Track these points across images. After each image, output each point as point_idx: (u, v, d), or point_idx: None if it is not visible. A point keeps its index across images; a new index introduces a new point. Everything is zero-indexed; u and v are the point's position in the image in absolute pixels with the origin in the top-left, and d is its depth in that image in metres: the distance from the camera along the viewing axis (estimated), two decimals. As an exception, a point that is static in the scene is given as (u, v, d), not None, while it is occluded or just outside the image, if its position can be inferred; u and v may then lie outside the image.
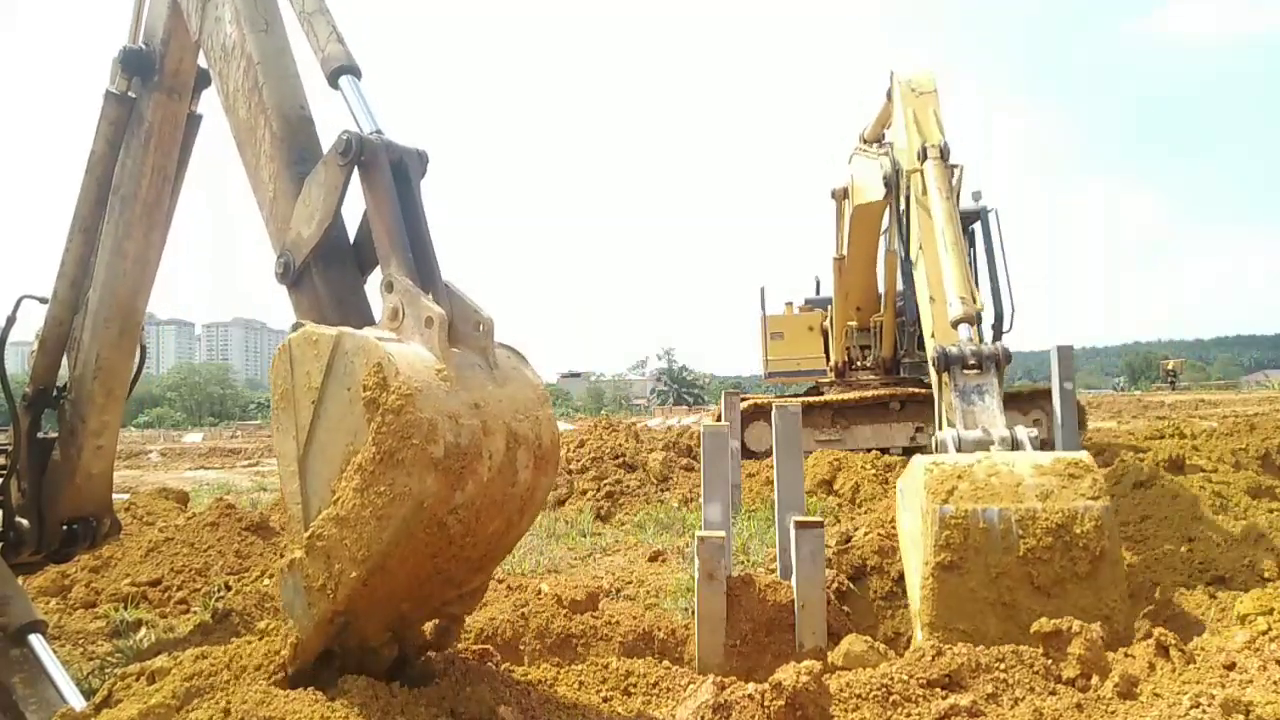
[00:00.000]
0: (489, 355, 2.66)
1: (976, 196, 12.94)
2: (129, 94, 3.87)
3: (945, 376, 4.11)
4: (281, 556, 5.67)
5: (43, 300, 3.94)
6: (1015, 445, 3.82)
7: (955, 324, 4.65)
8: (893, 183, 5.79)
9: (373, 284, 2.93)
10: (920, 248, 5.29)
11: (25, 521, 3.83)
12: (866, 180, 8.22)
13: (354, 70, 3.07)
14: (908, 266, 5.63)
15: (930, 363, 4.14)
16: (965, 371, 4.04)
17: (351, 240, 3.00)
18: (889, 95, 6.96)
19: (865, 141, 8.74)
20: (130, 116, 3.82)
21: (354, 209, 2.95)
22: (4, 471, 3.87)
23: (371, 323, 2.75)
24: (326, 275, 2.89)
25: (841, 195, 11.84)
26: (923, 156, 5.51)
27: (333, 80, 3.07)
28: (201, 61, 3.78)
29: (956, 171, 5.57)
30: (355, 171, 2.80)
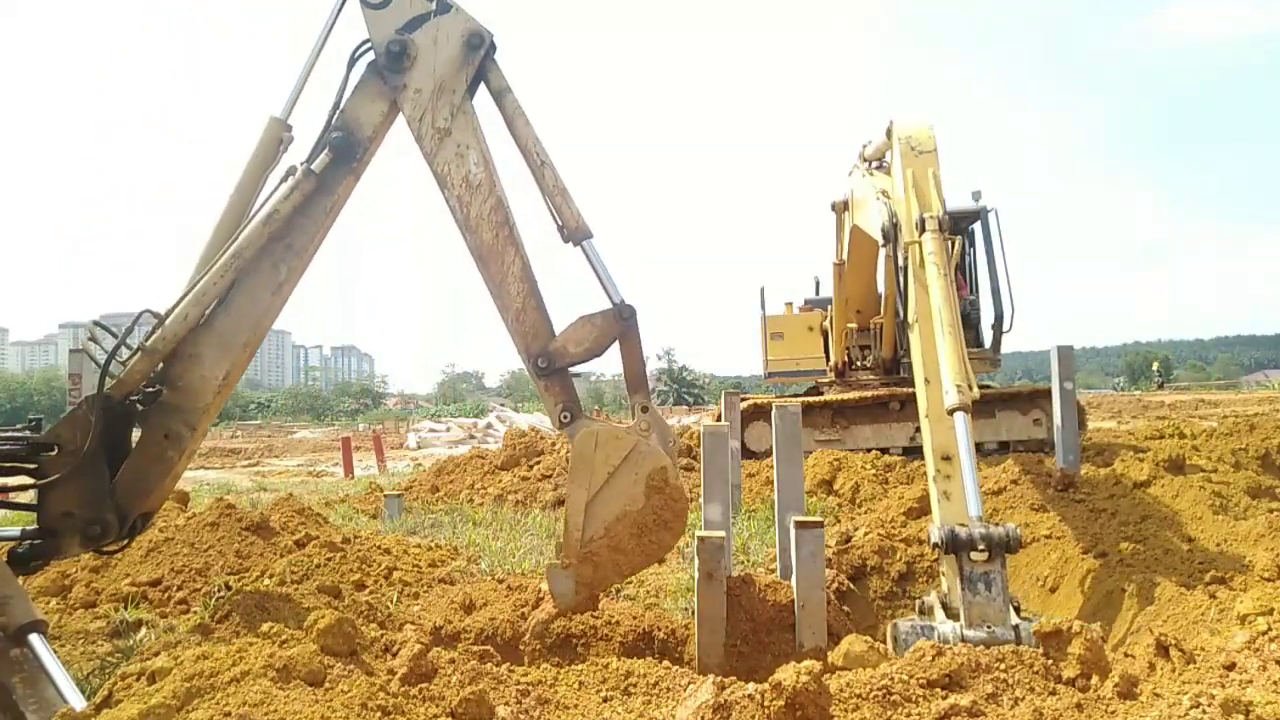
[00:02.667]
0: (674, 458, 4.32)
1: (976, 196, 12.92)
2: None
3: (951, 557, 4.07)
4: (281, 556, 5.64)
5: (156, 315, 4.14)
6: (1019, 640, 3.70)
7: (951, 413, 4.53)
8: (890, 236, 5.71)
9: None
10: (917, 320, 5.19)
11: (110, 516, 3.96)
12: (866, 203, 8.19)
13: (591, 235, 4.23)
14: (904, 320, 5.54)
15: (936, 541, 4.07)
16: (973, 557, 3.98)
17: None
18: (888, 134, 6.87)
19: (864, 160, 8.71)
20: (318, 187, 4.20)
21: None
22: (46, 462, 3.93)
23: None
24: (570, 378, 4.31)
25: (841, 208, 11.80)
26: (921, 228, 5.40)
27: (576, 240, 4.22)
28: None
29: (954, 244, 5.45)
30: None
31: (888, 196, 6.22)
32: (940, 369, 4.70)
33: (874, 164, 8.39)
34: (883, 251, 11.86)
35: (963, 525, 4.04)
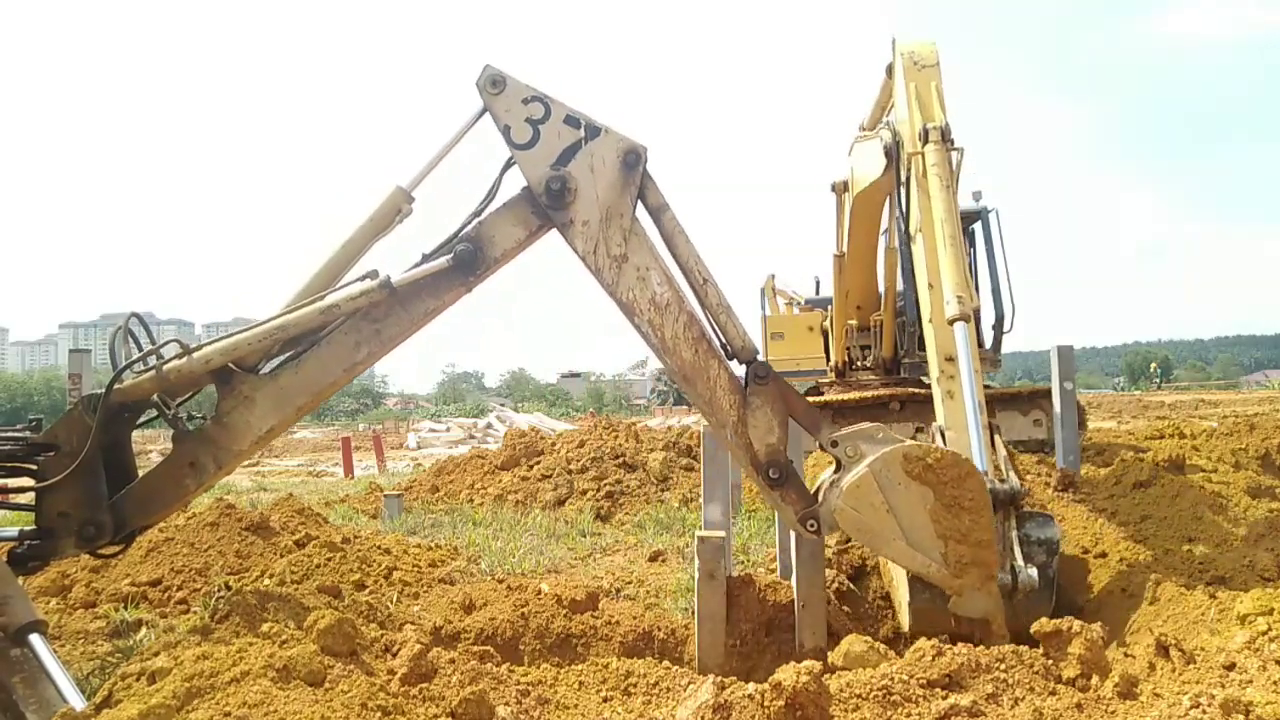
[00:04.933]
0: None
1: (977, 196, 12.90)
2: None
3: None
4: (282, 556, 5.62)
5: (187, 349, 4.01)
6: (1015, 584, 4.03)
7: (952, 322, 4.74)
8: (893, 154, 5.74)
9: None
10: (920, 230, 5.33)
11: (105, 518, 3.92)
12: (867, 163, 8.18)
13: (757, 354, 4.09)
14: (907, 251, 5.68)
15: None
16: None
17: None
18: (889, 71, 6.89)
19: (865, 130, 8.70)
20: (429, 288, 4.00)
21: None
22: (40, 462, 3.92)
23: None
24: (800, 478, 4.10)
25: (841, 189, 11.78)
26: (924, 138, 5.46)
27: (743, 359, 4.04)
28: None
29: (957, 156, 5.48)
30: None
31: (890, 128, 6.29)
32: (941, 280, 4.86)
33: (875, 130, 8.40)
34: (882, 241, 11.88)
35: None
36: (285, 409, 4.02)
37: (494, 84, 3.92)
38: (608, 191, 3.94)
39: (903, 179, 5.64)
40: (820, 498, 3.95)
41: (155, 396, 4.01)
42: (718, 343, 4.07)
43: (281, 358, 4.07)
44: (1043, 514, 4.53)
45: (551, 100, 3.94)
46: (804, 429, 4.17)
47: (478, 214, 4.04)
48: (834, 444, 3.91)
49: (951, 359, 4.86)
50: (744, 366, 4.05)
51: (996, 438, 4.75)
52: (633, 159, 3.94)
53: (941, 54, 6.02)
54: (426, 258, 4.00)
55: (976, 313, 13.36)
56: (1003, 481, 4.26)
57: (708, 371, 4.01)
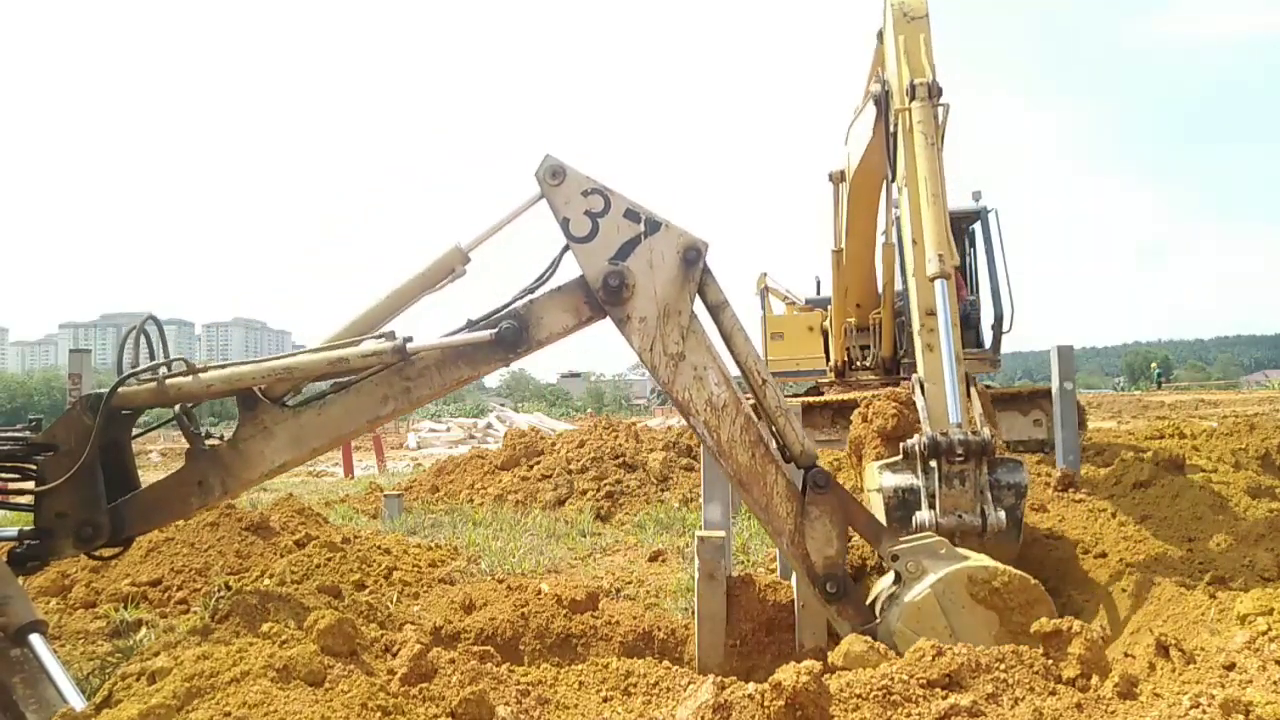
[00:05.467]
0: None
1: (976, 196, 12.91)
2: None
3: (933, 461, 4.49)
4: (282, 556, 5.62)
5: (193, 369, 3.97)
6: (984, 527, 4.30)
7: (933, 279, 4.99)
8: (883, 104, 5.86)
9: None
10: (905, 184, 5.52)
11: (103, 519, 3.91)
12: (861, 134, 8.22)
13: (816, 459, 4.01)
14: (900, 244, 5.94)
15: (920, 448, 4.50)
16: (950, 461, 4.42)
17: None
18: (879, 37, 6.94)
19: (857, 113, 8.75)
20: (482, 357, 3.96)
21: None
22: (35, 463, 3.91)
23: None
24: (859, 592, 4.03)
25: (839, 178, 11.75)
26: (911, 94, 5.54)
27: (801, 464, 3.97)
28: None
29: (943, 111, 5.57)
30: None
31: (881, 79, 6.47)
32: (924, 238, 5.11)
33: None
34: (880, 239, 11.86)
35: (944, 434, 4.48)
36: (301, 448, 3.99)
37: (553, 175, 3.84)
38: (666, 288, 3.85)
39: (891, 129, 5.77)
40: (878, 613, 3.81)
41: (177, 408, 4.00)
42: (774, 446, 3.99)
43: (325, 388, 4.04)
44: (1013, 459, 4.74)
45: (611, 192, 3.86)
46: (865, 540, 4.19)
47: (530, 291, 3.97)
48: (894, 558, 3.78)
49: (932, 313, 5.09)
50: (801, 472, 3.95)
51: (973, 389, 5.00)
52: (693, 255, 3.85)
53: (931, 7, 6.07)
54: (471, 325, 3.92)
55: (975, 307, 13.41)
56: (975, 434, 4.46)
57: (764, 477, 3.90)
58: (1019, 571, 3.73)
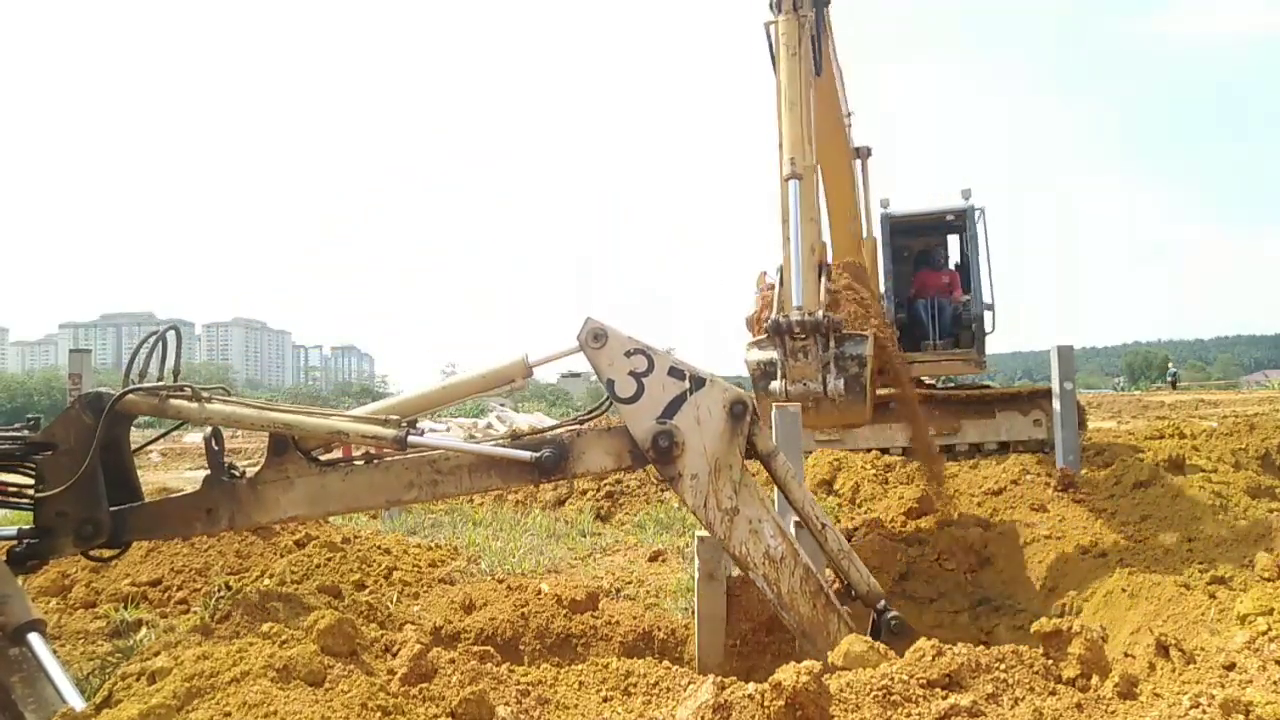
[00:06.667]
0: None
1: (966, 195, 12.82)
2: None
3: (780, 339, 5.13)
4: (282, 556, 5.63)
5: (198, 396, 3.96)
6: (825, 390, 5.06)
7: (786, 180, 5.37)
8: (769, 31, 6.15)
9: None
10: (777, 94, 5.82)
11: (104, 516, 3.90)
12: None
13: (882, 597, 4.01)
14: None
15: (770, 327, 5.14)
16: (794, 337, 5.06)
17: None
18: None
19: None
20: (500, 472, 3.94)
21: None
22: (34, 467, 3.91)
23: None
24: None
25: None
26: (777, 7, 5.75)
27: (869, 603, 3.95)
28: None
29: (807, 21, 5.75)
30: None
31: None
32: (782, 140, 5.49)
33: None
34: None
35: (786, 315, 5.07)
36: (316, 507, 4.03)
37: (595, 338, 3.85)
38: (715, 443, 3.84)
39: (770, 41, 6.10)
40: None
41: (209, 431, 4.02)
42: (832, 594, 3.97)
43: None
44: (859, 334, 5.39)
45: (654, 352, 3.88)
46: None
47: (579, 422, 4.05)
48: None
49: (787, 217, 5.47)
50: (870, 611, 3.94)
51: (823, 280, 5.42)
52: (739, 409, 3.85)
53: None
54: (515, 441, 3.95)
55: (968, 308, 13.27)
56: (811, 315, 5.03)
57: (827, 627, 3.88)
58: None
